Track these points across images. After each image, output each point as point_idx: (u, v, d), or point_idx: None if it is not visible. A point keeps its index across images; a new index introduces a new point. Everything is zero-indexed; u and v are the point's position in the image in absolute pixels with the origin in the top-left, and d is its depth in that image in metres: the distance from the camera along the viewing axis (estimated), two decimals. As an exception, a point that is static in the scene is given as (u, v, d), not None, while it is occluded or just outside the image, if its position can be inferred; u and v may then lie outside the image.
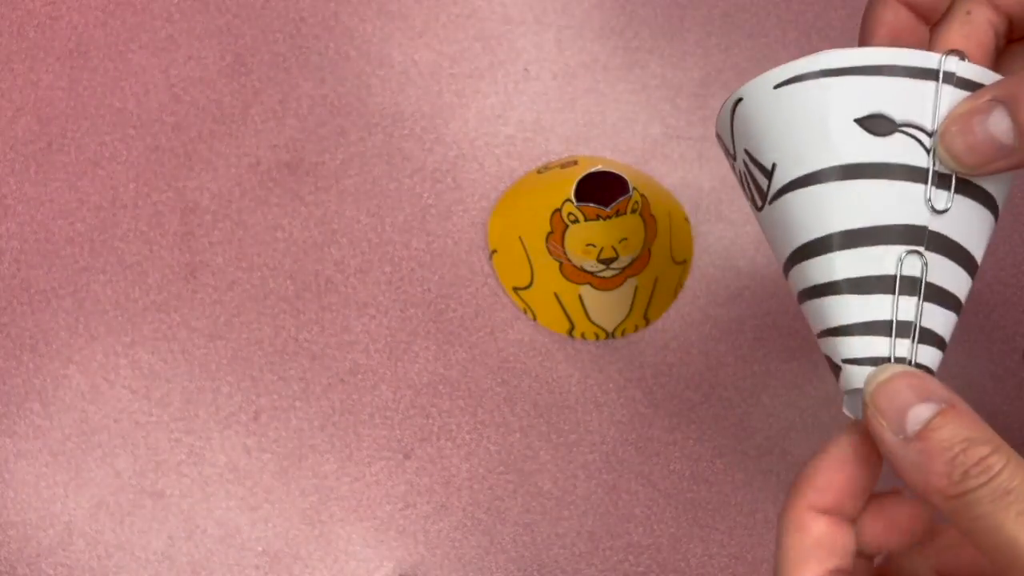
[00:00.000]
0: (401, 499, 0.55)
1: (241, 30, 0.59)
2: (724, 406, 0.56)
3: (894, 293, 0.24)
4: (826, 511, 0.24)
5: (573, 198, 0.48)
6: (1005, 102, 0.22)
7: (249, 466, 0.55)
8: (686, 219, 0.57)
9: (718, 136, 0.30)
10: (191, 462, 0.55)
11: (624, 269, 0.52)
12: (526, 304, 0.55)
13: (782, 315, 0.57)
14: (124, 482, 0.55)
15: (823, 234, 0.24)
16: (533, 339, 0.56)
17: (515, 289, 0.55)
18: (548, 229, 0.51)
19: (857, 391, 0.24)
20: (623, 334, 0.55)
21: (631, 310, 0.54)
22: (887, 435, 0.21)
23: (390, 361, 0.56)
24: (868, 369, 0.24)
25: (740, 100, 0.27)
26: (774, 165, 0.26)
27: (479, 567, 0.54)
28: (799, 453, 0.56)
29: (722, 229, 0.57)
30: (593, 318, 0.54)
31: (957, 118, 0.23)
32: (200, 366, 0.56)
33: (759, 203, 0.27)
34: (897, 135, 0.23)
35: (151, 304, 0.57)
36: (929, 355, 0.25)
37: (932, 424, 0.20)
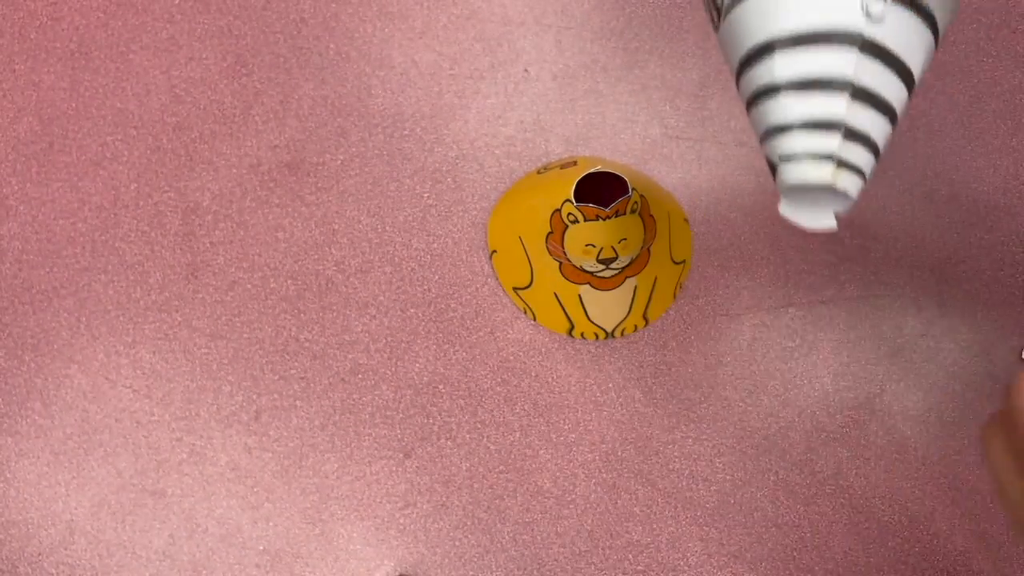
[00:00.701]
0: (401, 498, 0.55)
1: (242, 31, 0.60)
2: (723, 406, 0.56)
3: (828, 92, 0.25)
4: None
5: (573, 198, 0.48)
6: None
7: (250, 465, 0.55)
8: (685, 220, 0.57)
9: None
10: (192, 461, 0.55)
11: (624, 269, 0.52)
12: (526, 304, 0.55)
13: (780, 316, 0.57)
14: (125, 481, 0.55)
15: (765, 39, 0.26)
16: (533, 339, 0.56)
17: (515, 289, 0.55)
18: (548, 229, 0.51)
19: (792, 188, 0.26)
20: (622, 334, 0.55)
21: (631, 310, 0.54)
22: None
23: (390, 361, 0.56)
24: (804, 165, 0.25)
25: None
26: None
27: (479, 566, 0.55)
28: (797, 453, 0.56)
29: (721, 229, 0.58)
30: (593, 318, 0.54)
31: None
32: (201, 366, 0.56)
33: (716, 22, 0.28)
34: None
35: (152, 304, 0.57)
36: (860, 155, 0.26)
37: None
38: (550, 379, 0.56)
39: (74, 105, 0.59)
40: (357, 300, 0.57)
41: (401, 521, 0.55)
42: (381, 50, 0.59)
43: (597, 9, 0.60)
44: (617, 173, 0.49)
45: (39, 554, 0.55)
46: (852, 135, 0.25)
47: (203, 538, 0.55)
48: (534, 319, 0.56)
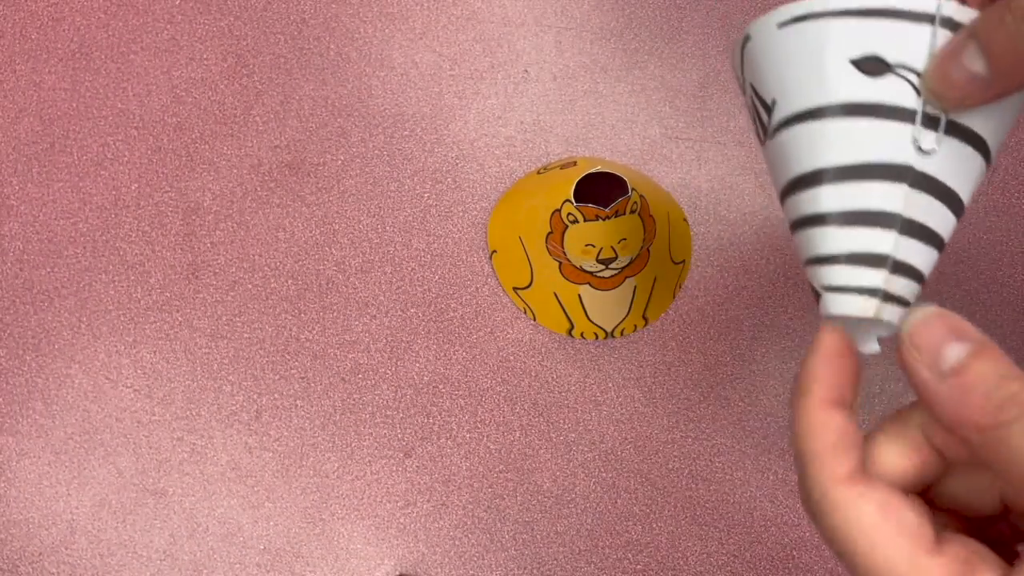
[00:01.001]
0: (402, 497, 0.55)
1: (243, 32, 0.60)
2: (722, 405, 0.56)
3: (876, 227, 0.25)
4: (834, 403, 0.25)
5: (573, 199, 0.48)
6: (977, 36, 0.23)
7: (251, 465, 0.55)
8: (684, 220, 0.57)
9: (733, 71, 0.32)
10: (193, 461, 0.55)
11: (623, 269, 0.52)
12: (526, 304, 0.55)
13: (780, 315, 0.57)
14: (126, 481, 0.55)
15: (814, 168, 0.26)
16: (533, 339, 0.56)
17: (515, 289, 0.56)
18: (548, 229, 0.52)
19: (835, 318, 0.26)
20: (622, 334, 0.55)
21: (630, 310, 0.55)
22: (923, 371, 0.23)
23: (391, 360, 0.56)
24: (848, 297, 0.25)
25: (748, 38, 0.28)
26: (774, 101, 0.27)
27: (479, 565, 0.55)
28: (797, 452, 0.56)
29: (720, 229, 0.58)
30: (592, 318, 0.54)
31: (936, 57, 0.24)
32: (202, 365, 0.56)
33: (762, 137, 0.28)
34: (890, 76, 0.24)
35: (153, 304, 0.57)
36: (906, 287, 0.26)
37: (967, 361, 0.22)
38: (550, 379, 0.56)
39: (75, 105, 0.59)
40: (357, 300, 0.57)
41: (401, 520, 0.55)
42: (381, 51, 0.60)
43: (597, 10, 0.60)
44: (617, 173, 0.49)
45: (40, 553, 0.55)
46: (899, 268, 0.25)
47: (204, 537, 0.55)
48: (534, 319, 0.56)
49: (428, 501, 0.55)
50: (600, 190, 0.55)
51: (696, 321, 0.57)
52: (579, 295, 0.54)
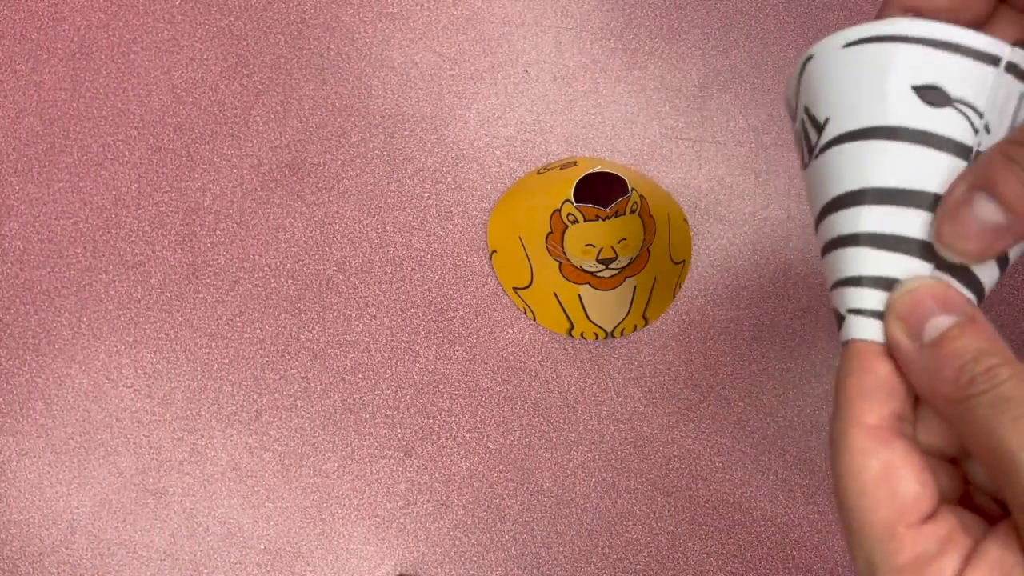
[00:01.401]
0: (402, 497, 0.55)
1: (243, 32, 0.60)
2: (722, 405, 0.56)
3: (913, 256, 0.24)
4: (884, 352, 0.24)
5: (573, 199, 0.48)
6: (982, 187, 0.23)
7: (251, 464, 0.55)
8: (685, 220, 0.57)
9: (786, 100, 0.31)
10: (193, 460, 0.55)
11: (623, 269, 0.52)
12: (526, 304, 0.55)
13: (780, 315, 0.57)
14: (127, 480, 0.55)
15: (857, 187, 0.25)
16: (533, 339, 0.56)
17: (515, 289, 0.56)
18: (548, 229, 0.52)
19: (856, 342, 0.25)
20: (622, 334, 0.55)
21: (630, 310, 0.55)
22: (904, 340, 0.23)
23: (391, 360, 0.56)
24: (869, 321, 0.24)
25: (810, 58, 0.28)
26: (827, 120, 0.27)
27: (479, 565, 0.55)
28: (797, 452, 0.56)
29: (720, 230, 0.58)
30: (592, 318, 0.54)
31: (946, 216, 0.24)
32: (202, 365, 0.56)
33: (807, 159, 0.28)
34: (949, 109, 0.24)
35: (154, 304, 0.57)
36: None
37: (950, 333, 0.22)
38: (550, 379, 0.56)
39: (75, 106, 0.59)
40: (358, 300, 0.57)
41: (401, 520, 0.55)
42: (381, 51, 0.60)
43: (597, 10, 0.60)
44: (617, 173, 0.49)
45: (40, 553, 0.55)
46: None
47: (204, 537, 0.55)
48: (534, 319, 0.56)
49: (428, 501, 0.55)
50: (600, 190, 0.55)
51: (696, 321, 0.57)
52: (579, 295, 0.54)
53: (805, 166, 0.27)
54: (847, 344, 0.25)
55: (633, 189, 0.48)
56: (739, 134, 0.59)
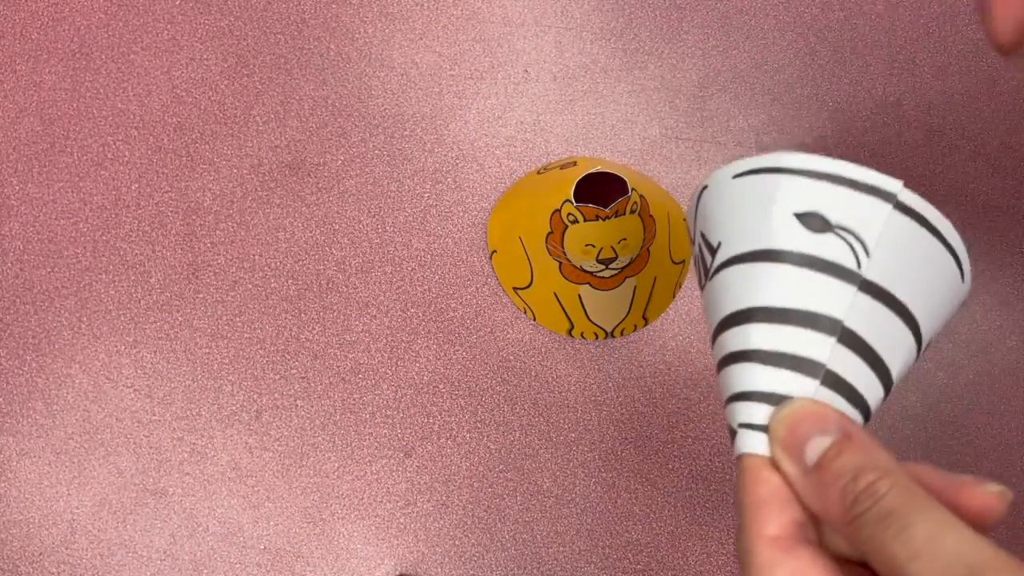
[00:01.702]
0: (402, 497, 0.55)
1: (243, 32, 0.60)
2: (722, 405, 0.56)
3: (799, 372, 0.25)
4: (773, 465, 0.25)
5: (573, 199, 0.48)
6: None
7: (251, 464, 0.55)
8: (685, 219, 0.57)
9: (685, 221, 0.33)
10: (193, 460, 0.55)
11: (623, 269, 0.52)
12: (526, 304, 0.55)
13: (780, 315, 0.57)
14: (127, 480, 0.55)
15: (746, 307, 0.27)
16: (533, 339, 0.56)
17: (515, 289, 0.56)
18: (548, 229, 0.52)
19: (746, 457, 0.26)
20: (622, 334, 0.55)
21: (630, 310, 0.55)
22: (789, 468, 0.23)
23: (391, 360, 0.56)
24: (759, 435, 0.25)
25: (705, 188, 0.30)
26: (719, 243, 0.29)
27: (479, 564, 0.55)
28: (796, 452, 0.56)
29: (720, 229, 0.58)
30: (592, 317, 0.54)
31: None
32: (202, 365, 0.56)
33: (703, 280, 0.30)
34: (830, 235, 0.26)
35: (154, 304, 0.57)
36: None
37: (828, 455, 0.22)
38: (550, 379, 0.56)
39: (75, 106, 0.59)
40: (358, 300, 0.57)
41: (401, 520, 0.55)
42: (382, 51, 0.60)
43: (597, 10, 0.60)
44: (617, 173, 0.49)
45: (41, 553, 0.55)
46: None
47: (204, 537, 0.55)
48: (534, 319, 0.56)
49: (428, 501, 0.55)
50: (600, 190, 0.55)
51: (696, 321, 0.57)
52: (579, 295, 0.54)
53: (702, 287, 0.29)
54: (739, 458, 0.25)
55: (633, 189, 0.48)
56: (739, 134, 0.59)
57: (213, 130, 0.59)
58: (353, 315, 0.57)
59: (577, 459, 0.56)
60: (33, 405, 0.56)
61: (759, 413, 0.25)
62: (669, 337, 0.57)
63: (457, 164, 0.58)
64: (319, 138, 0.59)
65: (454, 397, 0.56)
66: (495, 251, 0.56)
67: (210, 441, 0.56)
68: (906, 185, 0.25)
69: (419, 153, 0.58)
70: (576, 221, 0.49)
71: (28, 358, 0.56)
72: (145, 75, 0.59)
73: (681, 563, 0.55)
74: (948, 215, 0.58)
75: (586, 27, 0.60)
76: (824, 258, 0.26)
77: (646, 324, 0.56)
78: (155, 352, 0.56)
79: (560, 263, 0.53)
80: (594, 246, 0.50)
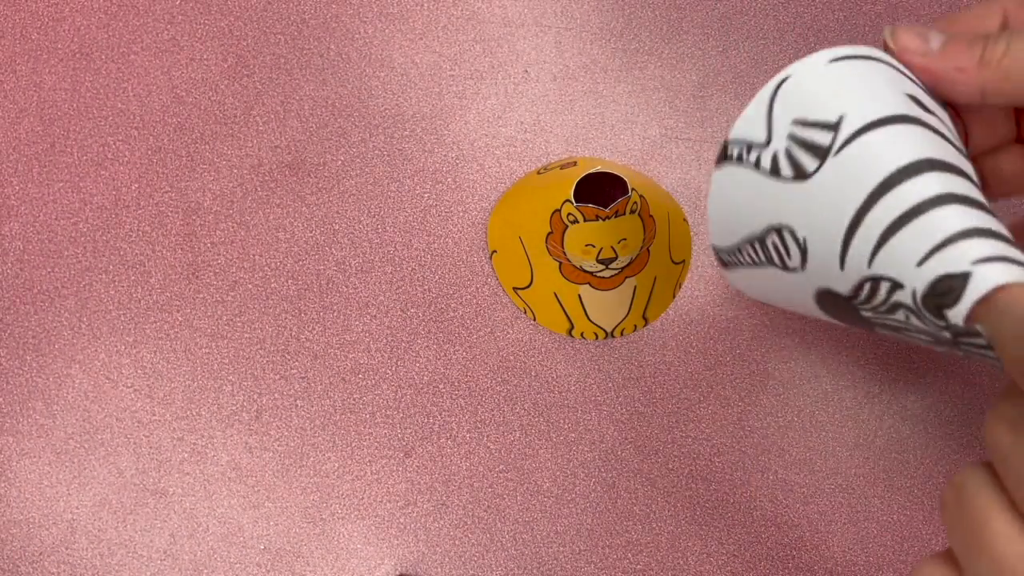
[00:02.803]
0: (402, 497, 0.55)
1: (243, 32, 0.60)
2: (722, 405, 0.56)
3: (987, 213, 0.24)
4: None
5: (573, 199, 0.48)
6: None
7: (251, 464, 0.55)
8: (685, 220, 0.57)
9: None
10: (193, 460, 0.56)
11: (623, 269, 0.52)
12: (526, 304, 0.55)
13: (779, 315, 0.57)
14: (127, 480, 0.55)
15: (917, 158, 0.24)
16: (533, 339, 0.56)
17: (515, 289, 0.56)
18: (548, 229, 0.52)
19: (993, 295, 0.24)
20: (622, 333, 0.55)
21: (630, 310, 0.55)
22: (917, 57, 0.28)
23: (391, 360, 0.56)
24: (1005, 265, 0.23)
25: (786, 79, 0.28)
26: (841, 116, 0.26)
27: (479, 564, 0.55)
28: (797, 452, 0.56)
29: (720, 229, 0.58)
30: (592, 318, 0.54)
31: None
32: (202, 365, 0.56)
33: (810, 169, 0.26)
34: (931, 115, 0.27)
35: (154, 304, 0.57)
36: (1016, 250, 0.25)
37: (947, 38, 0.28)
38: (550, 379, 0.56)
39: (75, 106, 0.59)
40: (358, 300, 0.57)
41: (401, 520, 0.55)
42: (382, 51, 0.60)
43: (597, 10, 0.60)
44: (617, 173, 0.49)
45: (40, 553, 0.55)
46: (1002, 237, 0.25)
47: (204, 537, 0.55)
48: (534, 319, 0.56)
49: (428, 501, 0.55)
50: (600, 190, 0.55)
51: (696, 321, 0.57)
52: (579, 295, 0.54)
53: (807, 175, 0.26)
54: (995, 291, 0.23)
55: (633, 189, 0.48)
56: (739, 134, 0.59)
57: (213, 130, 0.59)
58: (353, 315, 0.57)
59: (577, 459, 0.56)
60: (33, 405, 0.56)
61: (991, 246, 0.23)
62: (669, 337, 0.57)
63: (457, 164, 0.58)
64: (319, 138, 0.59)
65: (454, 397, 0.56)
66: (495, 251, 0.56)
67: (210, 441, 0.56)
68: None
69: (419, 153, 0.58)
70: (576, 221, 0.49)
71: (28, 358, 0.56)
72: (145, 75, 0.59)
73: (681, 563, 0.55)
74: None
75: (586, 27, 0.60)
76: (940, 131, 0.26)
77: (646, 324, 0.56)
78: (155, 352, 0.56)
79: (560, 263, 0.53)
80: (594, 246, 0.50)
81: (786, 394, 0.57)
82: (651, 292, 0.55)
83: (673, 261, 0.56)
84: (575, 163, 0.54)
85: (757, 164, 0.29)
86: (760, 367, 0.57)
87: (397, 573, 0.55)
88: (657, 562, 0.55)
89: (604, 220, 0.49)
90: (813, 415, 0.56)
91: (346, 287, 0.57)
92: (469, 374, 0.56)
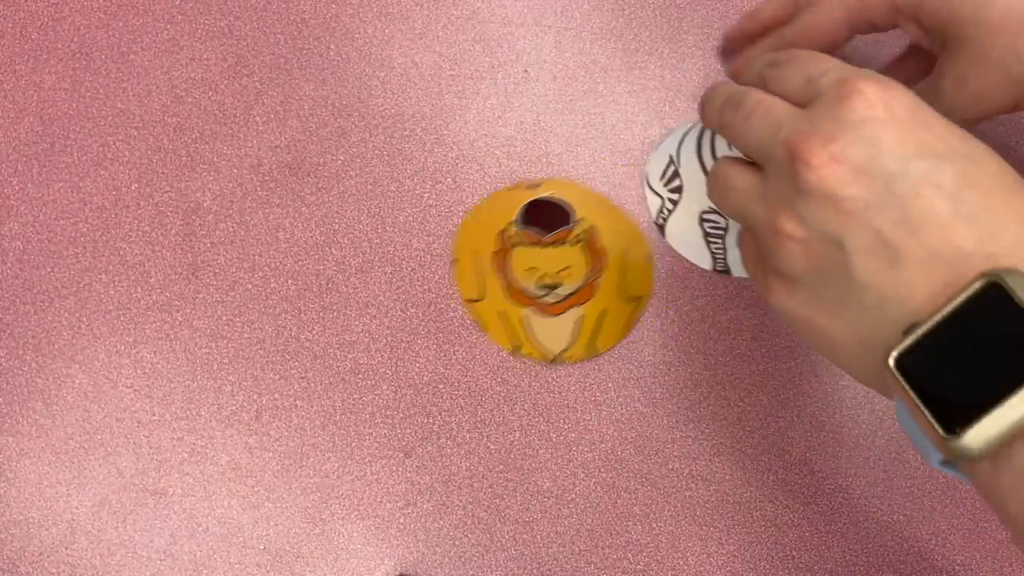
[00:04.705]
0: (402, 497, 0.55)
1: (243, 32, 0.60)
2: (722, 405, 0.56)
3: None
4: None
5: (518, 220, 0.49)
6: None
7: (251, 465, 0.55)
8: (648, 258, 0.56)
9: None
10: (193, 461, 0.56)
11: (567, 298, 0.52)
12: (478, 316, 0.55)
13: (779, 315, 0.57)
14: (126, 481, 0.55)
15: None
16: (533, 339, 0.56)
17: (469, 301, 0.55)
18: (496, 248, 0.52)
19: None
20: (569, 360, 0.55)
21: (576, 338, 0.54)
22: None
23: (391, 360, 0.56)
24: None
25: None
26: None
27: (479, 565, 0.55)
28: (797, 452, 0.56)
29: (720, 229, 0.58)
30: (537, 340, 0.54)
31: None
32: (202, 365, 0.56)
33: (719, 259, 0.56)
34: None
35: (153, 304, 0.57)
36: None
37: None
38: (550, 379, 0.56)
39: (75, 106, 0.59)
40: (357, 300, 0.57)
41: (401, 520, 0.55)
42: (381, 51, 0.60)
43: (597, 10, 0.60)
44: (564, 202, 0.49)
45: (40, 553, 0.55)
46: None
47: (204, 537, 0.55)
48: (485, 332, 0.56)
49: (428, 501, 0.55)
50: (559, 216, 0.55)
51: (697, 321, 0.57)
52: (523, 316, 0.54)
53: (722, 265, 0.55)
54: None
55: (579, 220, 0.48)
56: (739, 134, 0.59)
57: (213, 130, 0.59)
58: (353, 315, 0.57)
59: (577, 459, 0.56)
60: (33, 405, 0.56)
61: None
62: (669, 337, 0.57)
63: (457, 164, 0.58)
64: (319, 138, 0.59)
65: (454, 397, 0.56)
66: (456, 260, 0.56)
67: (210, 441, 0.56)
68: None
69: (419, 153, 0.58)
70: (519, 244, 0.49)
71: (28, 358, 0.56)
72: (145, 75, 0.59)
73: (681, 563, 0.55)
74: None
75: (586, 27, 0.60)
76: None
77: (594, 354, 0.55)
78: (155, 352, 0.56)
79: (506, 283, 0.53)
80: (537, 269, 0.50)
81: (786, 394, 0.56)
82: (599, 324, 0.54)
83: (626, 297, 0.55)
84: (539, 184, 0.54)
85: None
86: (760, 367, 0.57)
87: (397, 573, 0.55)
88: (657, 562, 0.55)
89: (544, 247, 0.49)
90: (813, 415, 0.56)
91: (346, 287, 0.57)
92: (469, 374, 0.56)
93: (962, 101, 0.39)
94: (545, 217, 0.53)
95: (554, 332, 0.54)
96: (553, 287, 0.50)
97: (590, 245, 0.50)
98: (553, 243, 0.48)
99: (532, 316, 0.53)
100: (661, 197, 0.53)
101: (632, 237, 0.56)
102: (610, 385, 0.56)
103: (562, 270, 0.50)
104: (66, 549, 0.55)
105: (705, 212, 0.51)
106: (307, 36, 0.60)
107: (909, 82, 0.46)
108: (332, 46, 0.60)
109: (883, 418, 0.56)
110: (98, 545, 0.55)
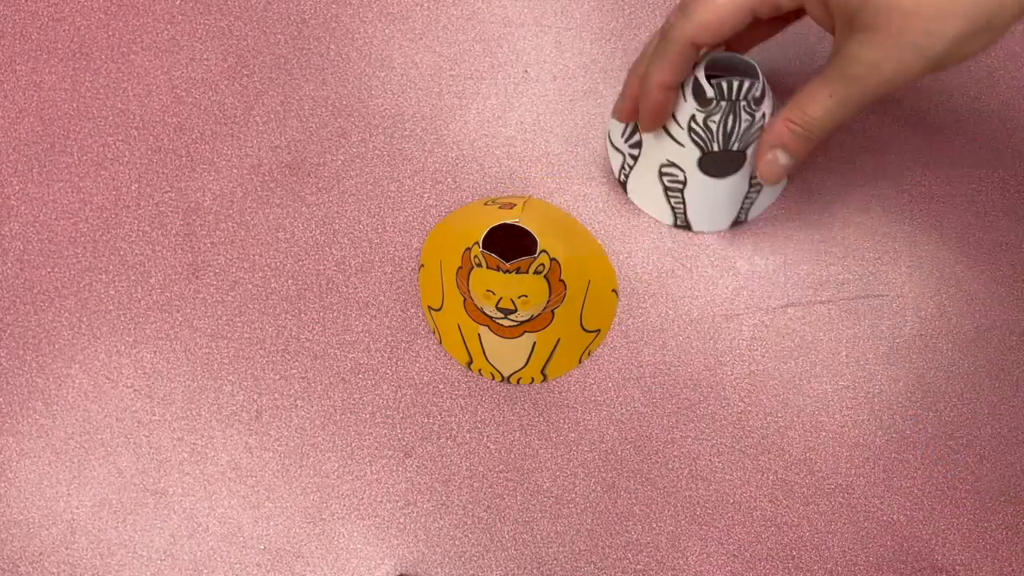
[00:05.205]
0: (402, 497, 0.55)
1: (243, 32, 0.60)
2: (722, 405, 0.56)
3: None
4: None
5: (481, 243, 0.48)
6: (780, 146, 0.47)
7: (251, 465, 0.56)
8: (614, 291, 0.56)
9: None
10: (193, 461, 0.56)
11: (523, 323, 0.52)
12: (435, 325, 0.55)
13: (779, 315, 0.57)
14: (127, 480, 0.55)
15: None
16: (533, 339, 0.56)
17: (429, 308, 0.55)
18: (459, 264, 0.52)
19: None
20: (519, 382, 0.55)
21: (528, 362, 0.54)
22: None
23: (391, 360, 0.56)
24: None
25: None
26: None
27: (479, 564, 0.55)
28: (796, 452, 0.56)
29: (720, 229, 0.58)
30: (490, 358, 0.54)
31: (761, 164, 0.49)
32: (202, 365, 0.56)
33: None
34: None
35: (154, 304, 0.57)
36: None
37: None
38: (550, 379, 0.56)
39: (75, 106, 0.59)
40: (358, 300, 0.57)
41: (401, 520, 0.55)
42: (382, 51, 0.60)
43: (597, 10, 0.60)
44: (531, 231, 0.49)
45: (40, 553, 0.55)
46: None
47: (204, 537, 0.55)
48: (440, 342, 0.56)
49: (428, 501, 0.55)
50: (526, 241, 0.54)
51: (696, 321, 0.57)
52: (479, 334, 0.53)
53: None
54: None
55: (543, 251, 0.48)
56: (739, 134, 0.59)
57: (213, 130, 0.59)
58: (353, 315, 0.57)
59: (577, 459, 0.56)
60: (33, 405, 0.56)
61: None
62: (669, 337, 0.57)
63: (457, 164, 0.58)
64: (319, 138, 0.59)
65: (454, 397, 0.56)
66: (423, 265, 0.56)
67: (210, 441, 0.56)
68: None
69: (419, 153, 0.59)
70: (480, 265, 0.49)
71: (28, 358, 0.56)
72: (145, 75, 0.59)
73: (681, 563, 0.55)
74: (949, 215, 0.58)
75: (586, 27, 0.60)
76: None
77: (544, 380, 0.55)
78: (155, 352, 0.56)
79: (465, 299, 0.53)
80: (494, 293, 0.49)
81: (785, 394, 0.57)
82: (552, 352, 0.54)
83: (584, 329, 0.55)
84: (513, 204, 0.54)
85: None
86: (759, 367, 0.57)
87: (397, 573, 0.55)
88: (657, 562, 0.55)
89: (505, 272, 0.48)
90: (813, 415, 0.56)
91: (346, 287, 0.57)
92: (469, 374, 0.56)
93: (875, 83, 0.41)
94: (513, 240, 0.53)
95: (507, 353, 0.54)
96: (509, 312, 0.50)
97: (551, 275, 0.50)
98: (514, 271, 0.48)
99: (487, 335, 0.53)
100: (622, 153, 0.55)
101: (602, 269, 0.56)
102: (610, 385, 0.56)
103: (520, 297, 0.49)
104: (66, 549, 0.55)
105: (664, 165, 0.52)
106: (307, 36, 0.60)
107: (755, 42, 0.50)
108: (332, 46, 0.60)
109: (883, 418, 0.56)
110: (98, 545, 0.55)
